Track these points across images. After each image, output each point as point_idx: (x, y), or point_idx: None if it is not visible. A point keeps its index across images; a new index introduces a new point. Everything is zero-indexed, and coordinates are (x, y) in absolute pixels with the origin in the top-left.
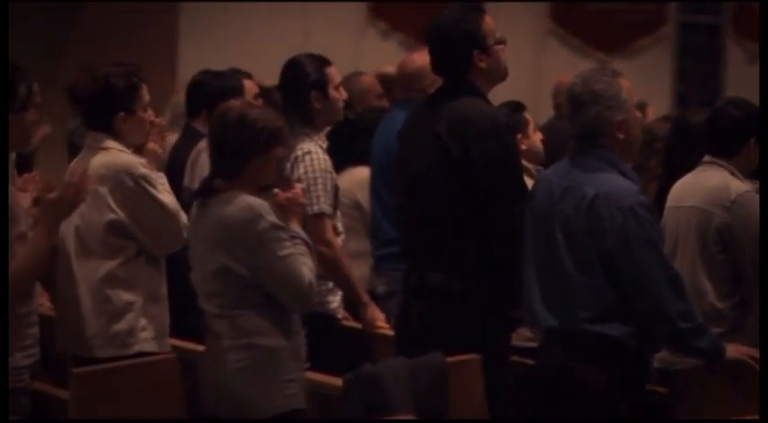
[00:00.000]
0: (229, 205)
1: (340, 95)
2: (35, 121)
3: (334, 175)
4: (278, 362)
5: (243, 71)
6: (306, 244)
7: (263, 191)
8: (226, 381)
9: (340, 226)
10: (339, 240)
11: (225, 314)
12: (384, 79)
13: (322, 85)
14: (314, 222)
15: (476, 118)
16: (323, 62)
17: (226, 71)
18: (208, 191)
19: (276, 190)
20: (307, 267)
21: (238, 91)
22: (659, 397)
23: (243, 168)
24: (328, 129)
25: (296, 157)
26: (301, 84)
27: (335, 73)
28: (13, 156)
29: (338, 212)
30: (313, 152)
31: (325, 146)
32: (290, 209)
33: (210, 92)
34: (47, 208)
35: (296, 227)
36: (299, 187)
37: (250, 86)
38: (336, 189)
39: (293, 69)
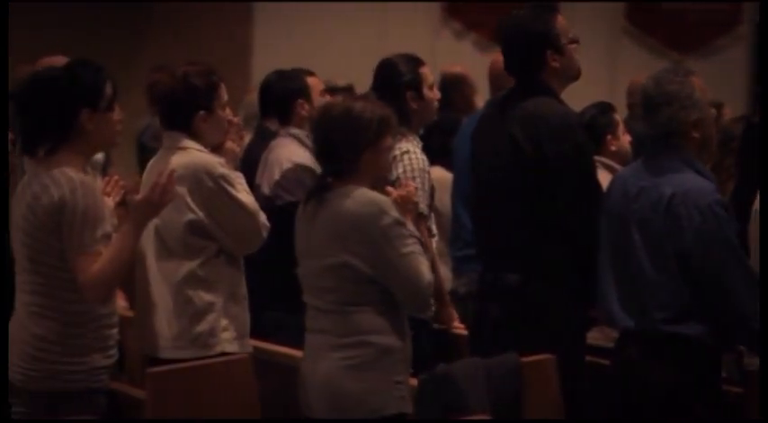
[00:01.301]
0: (350, 199)
1: (434, 95)
2: (120, 119)
3: (431, 175)
4: (391, 362)
5: (306, 69)
6: (420, 243)
7: (375, 187)
8: (333, 377)
9: (434, 228)
10: (433, 242)
11: (336, 310)
12: (450, 78)
13: (416, 85)
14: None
15: (548, 117)
16: (416, 62)
17: (289, 71)
18: (323, 188)
19: (389, 187)
20: (425, 266)
21: (303, 90)
22: (734, 397)
23: (355, 164)
24: None
25: (394, 157)
26: (396, 84)
27: (429, 72)
28: (101, 156)
29: (432, 214)
30: (411, 152)
31: (420, 146)
32: (403, 207)
33: (276, 93)
34: (133, 208)
35: (410, 225)
36: (412, 185)
37: (314, 83)
38: (432, 190)
39: (387, 70)
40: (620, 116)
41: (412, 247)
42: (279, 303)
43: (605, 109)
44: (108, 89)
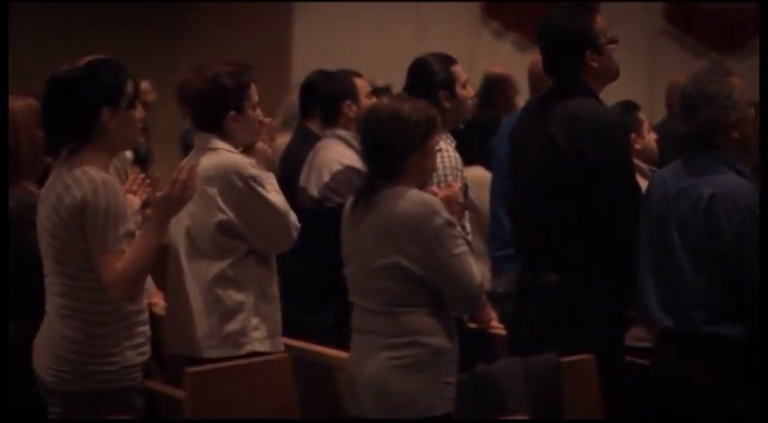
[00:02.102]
0: (402, 200)
1: (467, 93)
2: (142, 118)
3: (464, 173)
4: (442, 363)
5: (353, 71)
6: (468, 243)
7: (421, 186)
8: (383, 376)
9: (468, 226)
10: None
11: (386, 311)
12: (494, 78)
13: (449, 83)
14: None
15: (587, 117)
16: (449, 61)
17: (336, 72)
18: (371, 189)
19: (434, 188)
20: (476, 267)
21: (351, 92)
22: None
23: (404, 165)
24: None
25: None
26: (429, 84)
27: (462, 71)
28: (129, 155)
29: (467, 212)
30: (444, 150)
31: (453, 144)
32: (449, 207)
33: (323, 93)
34: (155, 205)
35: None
36: (456, 185)
37: (362, 85)
38: (466, 188)
39: (420, 69)
40: (644, 115)
41: (462, 247)
42: (328, 306)
43: (629, 108)
44: (129, 87)
